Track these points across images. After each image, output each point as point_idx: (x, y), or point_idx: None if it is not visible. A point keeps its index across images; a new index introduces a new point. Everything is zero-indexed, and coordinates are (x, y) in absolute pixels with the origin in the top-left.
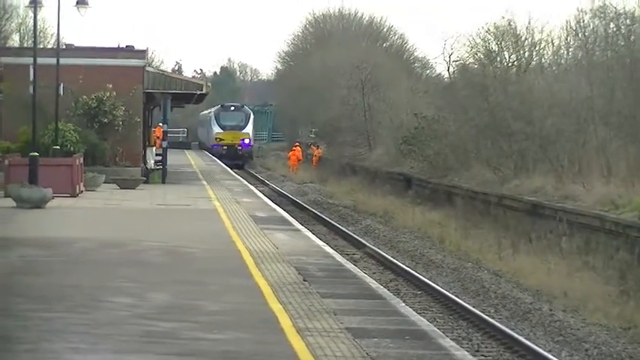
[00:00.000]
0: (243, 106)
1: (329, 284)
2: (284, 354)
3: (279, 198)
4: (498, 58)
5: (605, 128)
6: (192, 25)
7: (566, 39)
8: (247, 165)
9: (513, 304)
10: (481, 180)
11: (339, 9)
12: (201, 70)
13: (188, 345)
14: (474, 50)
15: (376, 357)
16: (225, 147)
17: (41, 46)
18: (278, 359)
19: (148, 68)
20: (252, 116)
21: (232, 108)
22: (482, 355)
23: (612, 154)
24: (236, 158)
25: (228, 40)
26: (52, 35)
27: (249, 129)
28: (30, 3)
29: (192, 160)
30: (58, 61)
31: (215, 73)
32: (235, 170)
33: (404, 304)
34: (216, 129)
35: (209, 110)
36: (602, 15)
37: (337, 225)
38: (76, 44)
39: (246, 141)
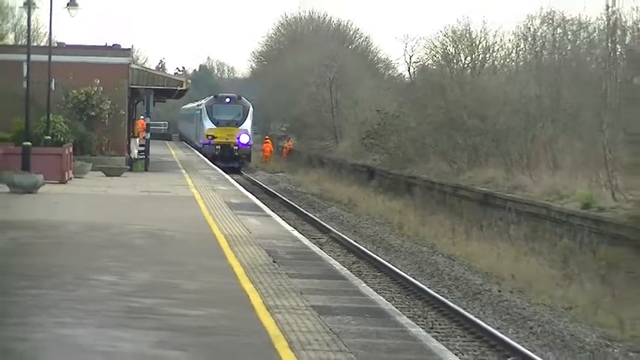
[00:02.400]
0: (240, 98)
1: (296, 266)
2: (255, 329)
3: (252, 186)
4: (455, 60)
5: (552, 125)
6: (175, 24)
7: (517, 43)
8: (244, 168)
9: (465, 285)
10: (438, 172)
11: (310, 12)
12: (183, 67)
13: (167, 320)
14: (432, 52)
15: (339, 332)
16: (218, 146)
17: (34, 45)
18: (249, 334)
19: (132, 65)
20: (251, 110)
21: (227, 100)
22: (435, 332)
23: (558, 149)
24: (232, 160)
25: (208, 39)
26: (44, 34)
27: (247, 124)
28: (24, 4)
29: (173, 151)
30: (50, 58)
31: (195, 70)
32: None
33: (365, 285)
34: (208, 124)
35: (198, 102)
36: (550, 21)
37: (305, 211)
38: (67, 43)
39: (244, 139)
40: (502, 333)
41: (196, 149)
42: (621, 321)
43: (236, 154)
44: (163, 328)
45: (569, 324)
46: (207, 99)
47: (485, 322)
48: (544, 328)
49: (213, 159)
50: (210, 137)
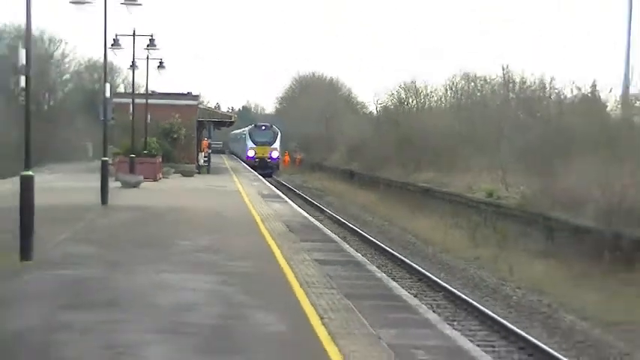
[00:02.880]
0: (272, 126)
1: (304, 233)
2: (278, 274)
3: (276, 184)
4: (405, 103)
5: (467, 145)
6: (227, 76)
7: (445, 92)
8: (275, 174)
9: (412, 247)
10: (396, 174)
11: (313, 72)
12: (232, 107)
13: (222, 268)
14: (391, 97)
15: (332, 276)
16: (257, 159)
17: (137, 92)
18: (275, 277)
19: (199, 106)
20: (279, 134)
21: (263, 127)
22: (390, 275)
23: (471, 161)
24: (266, 168)
25: (248, 87)
26: (142, 85)
27: (277, 144)
28: (130, 67)
29: (226, 161)
30: (147, 101)
31: (239, 109)
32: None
33: (348, 246)
34: (250, 144)
35: (243, 129)
36: (466, 78)
37: (310, 199)
38: (158, 91)
39: (274, 154)
40: (435, 277)
41: (242, 161)
42: (511, 269)
43: (269, 164)
44: (219, 273)
45: (477, 270)
46: (250, 127)
47: (423, 269)
48: (462, 274)
49: (253, 167)
50: (251, 153)
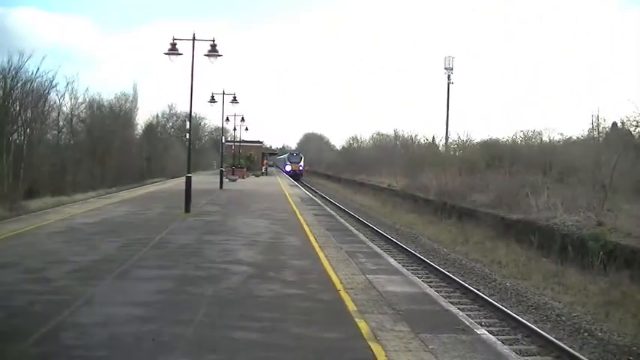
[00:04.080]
0: (299, 153)
1: (307, 204)
2: (296, 218)
3: (294, 183)
4: (352, 145)
5: (379, 164)
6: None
7: (369, 140)
8: (301, 179)
9: (356, 208)
10: (348, 175)
11: (312, 132)
12: (283, 144)
13: (273, 216)
14: (347, 142)
15: (320, 220)
16: (291, 171)
17: (235, 140)
18: (294, 219)
19: (263, 146)
20: (303, 157)
21: (295, 154)
22: (346, 220)
23: (382, 171)
24: (296, 177)
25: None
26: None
27: (302, 163)
28: (226, 120)
29: (275, 171)
30: (240, 144)
31: (282, 145)
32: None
33: (329, 209)
34: (287, 164)
35: (284, 155)
36: (378, 134)
37: (314, 189)
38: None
39: (300, 168)
40: (365, 221)
41: (283, 172)
42: (399, 218)
43: (298, 174)
44: (272, 219)
45: (382, 218)
46: (287, 153)
47: (361, 218)
48: (377, 220)
49: (289, 176)
50: (288, 168)
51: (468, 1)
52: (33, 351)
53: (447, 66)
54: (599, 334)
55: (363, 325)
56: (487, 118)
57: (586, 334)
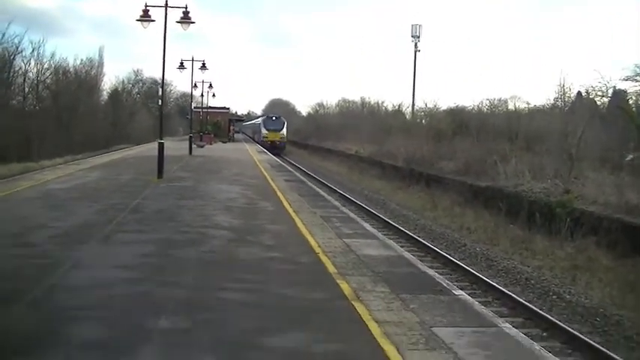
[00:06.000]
0: (280, 117)
1: (277, 170)
2: (268, 184)
3: (262, 149)
4: (318, 111)
5: (346, 131)
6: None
7: (335, 106)
8: (281, 154)
9: (324, 174)
10: (314, 142)
11: (280, 98)
12: (249, 110)
13: (245, 182)
14: (313, 108)
15: (292, 186)
16: (268, 142)
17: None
18: (266, 185)
19: (229, 112)
20: (285, 123)
21: (274, 118)
22: (317, 187)
23: (347, 137)
24: (275, 149)
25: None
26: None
27: (284, 131)
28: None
29: (242, 137)
30: (207, 111)
31: (248, 112)
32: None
33: (299, 174)
34: (264, 131)
35: (257, 119)
36: (345, 100)
37: (294, 163)
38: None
39: (282, 140)
40: (334, 187)
41: (256, 142)
42: (367, 184)
43: (278, 146)
44: (244, 185)
45: (350, 184)
46: (263, 117)
47: (330, 185)
48: (346, 186)
49: (265, 149)
50: (264, 138)
51: None
52: (31, 312)
53: (415, 34)
54: (567, 296)
55: (345, 287)
56: (455, 86)
57: (554, 296)
